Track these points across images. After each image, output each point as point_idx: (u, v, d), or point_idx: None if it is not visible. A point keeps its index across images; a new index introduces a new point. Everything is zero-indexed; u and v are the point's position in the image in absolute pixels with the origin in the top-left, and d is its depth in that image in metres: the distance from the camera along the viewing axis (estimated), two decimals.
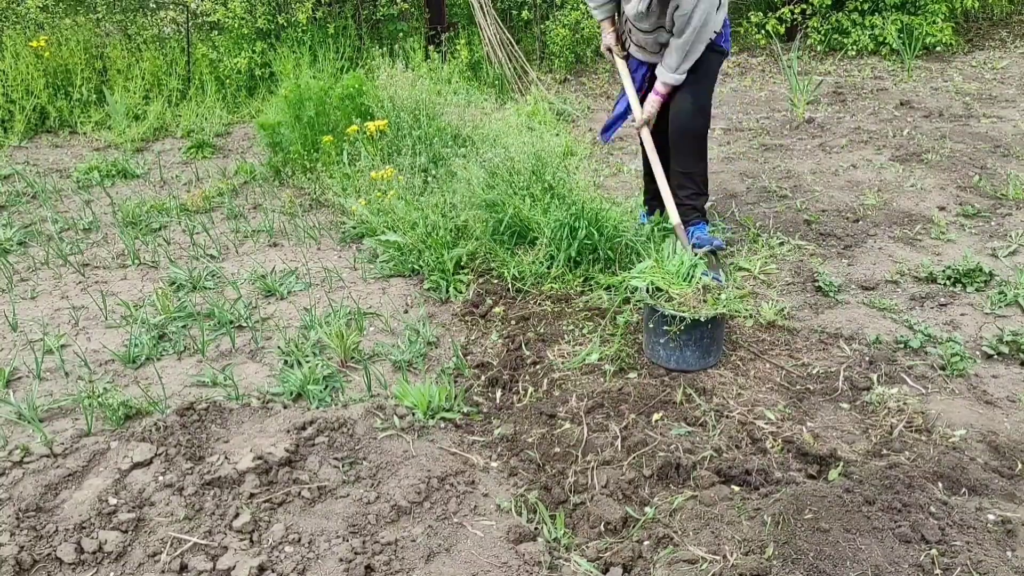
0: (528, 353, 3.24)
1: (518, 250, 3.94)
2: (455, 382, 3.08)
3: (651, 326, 3.07)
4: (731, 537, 2.17)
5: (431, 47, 7.81)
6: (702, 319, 2.92)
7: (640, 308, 3.26)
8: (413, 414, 2.86)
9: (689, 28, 3.50)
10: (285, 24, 7.57)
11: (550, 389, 2.99)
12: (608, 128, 4.18)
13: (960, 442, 2.61)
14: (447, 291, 3.83)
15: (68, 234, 4.68)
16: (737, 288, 3.12)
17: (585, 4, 7.97)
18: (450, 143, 5.07)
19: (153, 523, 2.37)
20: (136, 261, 4.25)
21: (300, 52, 7.25)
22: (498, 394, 3.01)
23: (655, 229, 3.98)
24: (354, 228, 4.51)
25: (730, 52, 3.43)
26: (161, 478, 2.53)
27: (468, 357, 3.26)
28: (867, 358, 3.14)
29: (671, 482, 2.48)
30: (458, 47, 7.68)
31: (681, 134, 3.83)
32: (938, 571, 2.00)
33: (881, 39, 8.25)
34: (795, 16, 8.52)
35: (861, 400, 2.89)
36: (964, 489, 2.37)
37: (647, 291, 3.12)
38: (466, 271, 3.94)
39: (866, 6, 8.34)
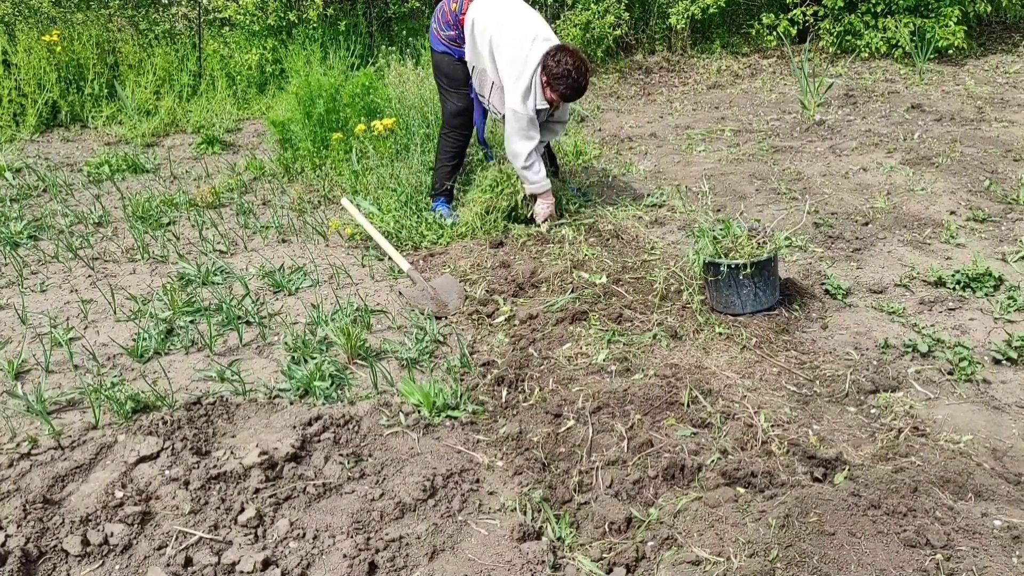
0: (534, 352, 3.24)
1: None
2: (461, 380, 3.09)
3: (719, 280, 3.40)
4: (735, 539, 2.17)
5: None
6: (764, 257, 3.33)
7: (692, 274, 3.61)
8: (419, 412, 2.87)
9: None
10: (296, 21, 7.58)
11: (556, 388, 2.99)
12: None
13: (966, 447, 2.60)
14: None
15: (78, 228, 4.71)
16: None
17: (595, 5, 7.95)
18: None
19: (159, 516, 2.38)
20: (145, 256, 4.27)
21: (311, 49, 7.26)
22: (504, 393, 3.01)
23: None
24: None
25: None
26: (167, 472, 2.54)
27: (475, 356, 3.26)
28: (874, 362, 3.13)
29: (676, 483, 2.47)
30: None
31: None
32: None
33: (894, 42, 8.21)
34: (807, 18, 8.49)
35: (868, 404, 2.88)
36: (970, 494, 2.36)
37: (711, 253, 3.44)
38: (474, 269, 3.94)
39: (879, 8, 8.28)
